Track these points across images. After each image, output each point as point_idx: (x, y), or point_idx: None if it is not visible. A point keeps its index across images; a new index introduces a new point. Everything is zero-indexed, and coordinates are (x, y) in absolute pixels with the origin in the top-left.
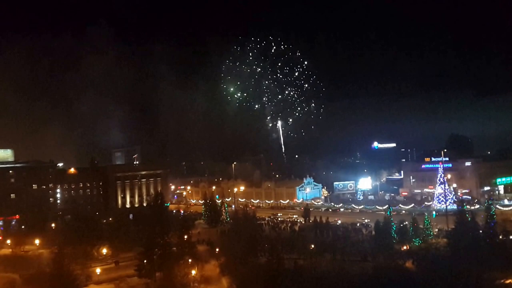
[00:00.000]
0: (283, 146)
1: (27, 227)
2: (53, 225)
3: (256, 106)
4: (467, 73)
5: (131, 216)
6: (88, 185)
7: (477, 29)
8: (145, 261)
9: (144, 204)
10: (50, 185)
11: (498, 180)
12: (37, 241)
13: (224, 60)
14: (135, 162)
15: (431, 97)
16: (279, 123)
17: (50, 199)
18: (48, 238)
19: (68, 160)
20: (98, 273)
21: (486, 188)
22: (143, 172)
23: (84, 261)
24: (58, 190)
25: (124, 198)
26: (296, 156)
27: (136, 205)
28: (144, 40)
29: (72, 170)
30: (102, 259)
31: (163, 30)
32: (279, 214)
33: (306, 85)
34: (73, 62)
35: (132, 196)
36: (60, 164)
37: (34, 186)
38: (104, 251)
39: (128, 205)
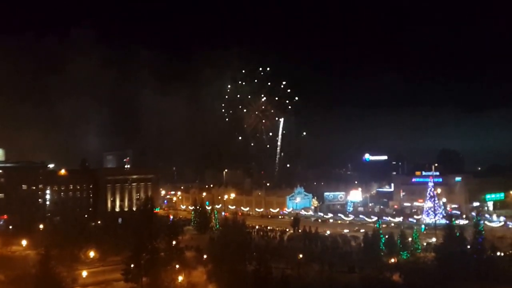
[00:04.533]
0: (278, 149)
1: (15, 227)
2: (41, 226)
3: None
4: (459, 88)
5: (120, 220)
6: (78, 187)
7: (468, 43)
8: (132, 265)
9: (134, 209)
10: (40, 186)
11: (488, 196)
12: (24, 242)
13: (212, 67)
14: (126, 166)
15: (424, 111)
16: (281, 120)
17: (39, 200)
18: (35, 239)
19: (59, 162)
20: (84, 276)
21: (475, 204)
22: (134, 176)
23: (71, 264)
24: (48, 191)
25: (114, 201)
26: (288, 165)
27: (126, 209)
28: (131, 42)
29: (62, 171)
30: (89, 262)
31: (151, 34)
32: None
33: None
34: (62, 63)
35: (122, 200)
36: (51, 165)
37: (24, 187)
38: (92, 254)
39: (117, 209)
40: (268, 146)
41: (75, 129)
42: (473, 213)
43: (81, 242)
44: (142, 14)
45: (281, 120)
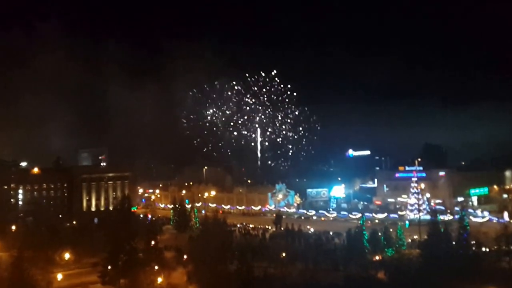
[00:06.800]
0: (258, 148)
1: None
2: (13, 227)
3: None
4: (442, 81)
5: (96, 220)
6: (52, 186)
7: (452, 33)
8: (109, 267)
9: (110, 208)
10: (12, 185)
11: (472, 191)
12: None
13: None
14: (102, 164)
15: (406, 105)
16: (258, 131)
17: (12, 199)
18: (7, 241)
19: (32, 160)
20: (59, 279)
21: (460, 199)
22: (110, 174)
23: (45, 266)
24: (20, 191)
25: (89, 201)
26: (270, 162)
27: (102, 209)
28: (103, 36)
29: (35, 170)
30: (64, 264)
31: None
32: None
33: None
34: (28, 57)
35: (98, 199)
36: (24, 164)
37: None
38: (67, 256)
39: (93, 208)
40: (245, 141)
41: (46, 126)
42: (457, 208)
43: (55, 243)
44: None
45: (259, 114)
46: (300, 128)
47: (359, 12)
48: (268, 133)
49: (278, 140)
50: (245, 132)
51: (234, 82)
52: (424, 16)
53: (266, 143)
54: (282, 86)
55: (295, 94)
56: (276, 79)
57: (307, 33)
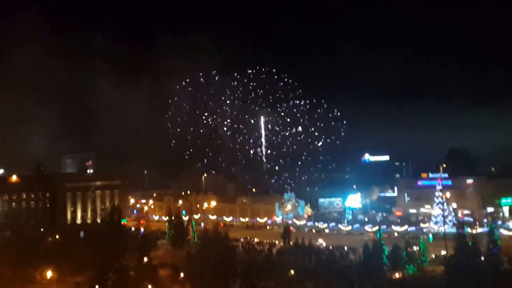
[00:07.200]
0: (264, 152)
1: None
2: None
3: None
4: (470, 79)
5: (82, 233)
6: (33, 196)
7: (480, 30)
8: (96, 287)
9: (98, 220)
10: None
11: (503, 200)
12: None
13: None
14: (88, 171)
15: (430, 105)
16: (262, 120)
17: None
18: None
19: (9, 167)
20: None
21: (490, 210)
22: (98, 183)
23: (24, 285)
24: None
25: (74, 212)
26: (277, 168)
27: (89, 221)
28: (91, 28)
29: (13, 178)
30: (46, 283)
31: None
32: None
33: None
34: (3, 51)
35: (84, 211)
36: (0, 171)
37: None
38: (49, 274)
39: (79, 221)
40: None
41: (25, 129)
42: (487, 220)
43: (36, 260)
44: None
45: (262, 114)
46: (313, 129)
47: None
48: (274, 138)
49: (286, 143)
50: (249, 135)
51: (236, 77)
52: (447, 9)
53: (273, 147)
54: (289, 82)
55: (300, 90)
56: (283, 76)
57: (315, 29)
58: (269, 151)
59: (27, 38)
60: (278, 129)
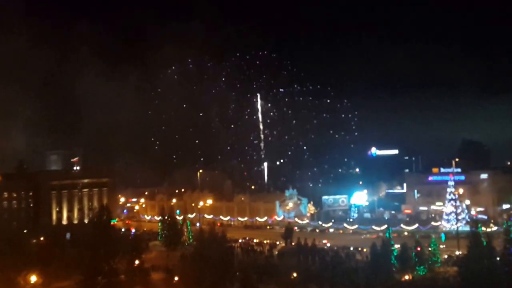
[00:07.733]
0: (262, 135)
1: None
2: None
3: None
4: (483, 68)
5: (68, 235)
6: (15, 195)
7: (495, 18)
8: None
9: (86, 221)
10: None
11: None
12: None
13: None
14: (75, 168)
15: (441, 96)
16: (259, 102)
17: None
18: None
19: None
20: None
21: (506, 206)
22: (85, 181)
23: None
24: None
25: (60, 212)
26: (277, 162)
27: (75, 222)
28: (76, 16)
29: None
30: None
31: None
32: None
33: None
34: None
35: (70, 210)
36: None
37: None
38: (33, 278)
39: (65, 222)
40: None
41: (6, 124)
42: (503, 218)
43: (19, 263)
44: None
45: (258, 101)
46: (315, 121)
47: None
48: (275, 131)
49: (287, 137)
50: (247, 127)
51: (231, 63)
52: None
53: (273, 141)
54: (294, 70)
55: (309, 85)
56: (285, 62)
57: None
58: (268, 141)
59: (8, 28)
60: (276, 117)
